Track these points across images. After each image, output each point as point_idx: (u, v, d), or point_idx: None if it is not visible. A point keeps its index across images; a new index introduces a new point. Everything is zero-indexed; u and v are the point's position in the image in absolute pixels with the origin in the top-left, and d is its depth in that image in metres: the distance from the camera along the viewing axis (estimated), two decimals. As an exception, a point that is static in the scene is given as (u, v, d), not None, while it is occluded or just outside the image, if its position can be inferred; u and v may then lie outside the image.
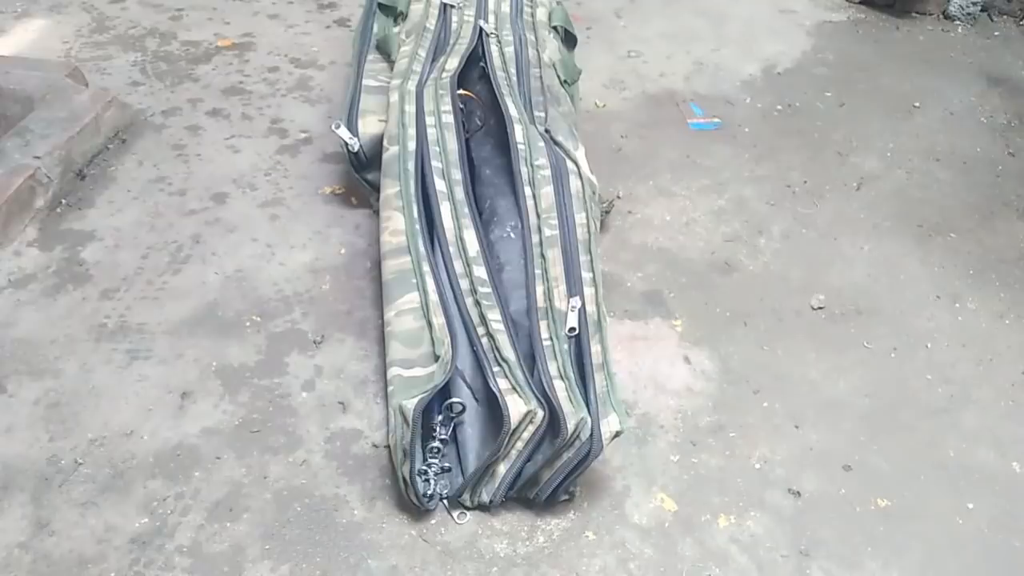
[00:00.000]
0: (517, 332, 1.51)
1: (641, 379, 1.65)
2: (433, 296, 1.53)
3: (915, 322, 1.83)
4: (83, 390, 1.55)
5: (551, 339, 1.47)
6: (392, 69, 2.13)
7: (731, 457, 1.52)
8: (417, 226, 1.66)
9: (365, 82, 2.09)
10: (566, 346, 1.47)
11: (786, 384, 1.67)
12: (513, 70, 2.12)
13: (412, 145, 1.82)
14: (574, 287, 1.56)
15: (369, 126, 1.95)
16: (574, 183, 1.76)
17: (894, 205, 2.18)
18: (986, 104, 2.64)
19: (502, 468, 1.36)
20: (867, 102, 2.60)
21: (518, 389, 1.37)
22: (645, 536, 1.38)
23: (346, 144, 1.92)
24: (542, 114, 2.00)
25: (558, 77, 2.19)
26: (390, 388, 1.44)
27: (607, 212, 1.97)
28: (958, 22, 3.11)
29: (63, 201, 1.96)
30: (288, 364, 1.62)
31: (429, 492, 1.36)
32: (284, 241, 1.91)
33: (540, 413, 1.34)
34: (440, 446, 1.39)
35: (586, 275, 1.60)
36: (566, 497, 1.40)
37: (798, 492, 1.47)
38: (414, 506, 1.37)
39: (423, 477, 1.36)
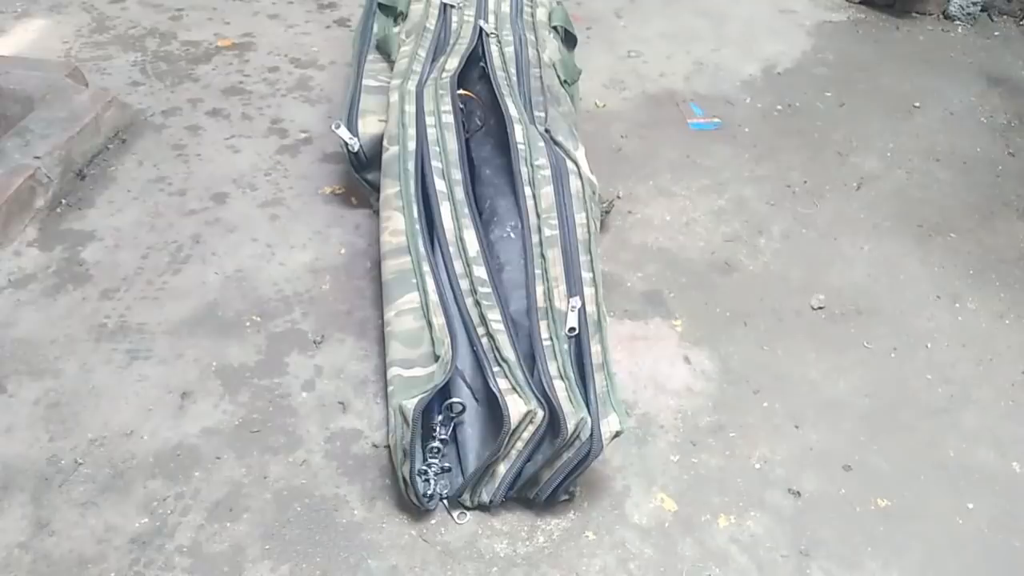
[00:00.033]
0: (517, 332, 1.51)
1: (641, 379, 1.65)
2: (433, 296, 1.53)
3: (915, 322, 1.83)
4: (83, 390, 1.55)
5: (551, 339, 1.47)
6: (392, 69, 2.13)
7: (731, 457, 1.52)
8: (417, 226, 1.66)
9: (365, 82, 2.10)
10: (566, 346, 1.47)
11: (786, 384, 1.67)
12: (513, 70, 2.12)
13: (412, 145, 1.82)
14: (574, 287, 1.56)
15: (369, 126, 1.95)
16: (574, 183, 1.76)
17: (894, 205, 2.18)
18: (986, 104, 2.64)
19: (502, 468, 1.36)
20: (867, 102, 2.60)
21: (518, 389, 1.37)
22: (645, 536, 1.38)
23: (346, 144, 1.92)
24: (542, 114, 2.00)
25: (558, 77, 2.19)
26: (390, 388, 1.44)
27: (607, 212, 1.97)
28: (958, 22, 3.12)
29: (63, 201, 1.97)
30: (288, 364, 1.62)
31: (429, 492, 1.36)
32: (284, 241, 1.91)
33: (540, 413, 1.34)
34: (440, 446, 1.39)
35: (586, 275, 1.60)
36: (566, 497, 1.40)
37: (798, 492, 1.47)
38: (414, 506, 1.37)
39: (423, 477, 1.36)
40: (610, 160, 2.23)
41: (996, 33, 3.08)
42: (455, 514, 1.39)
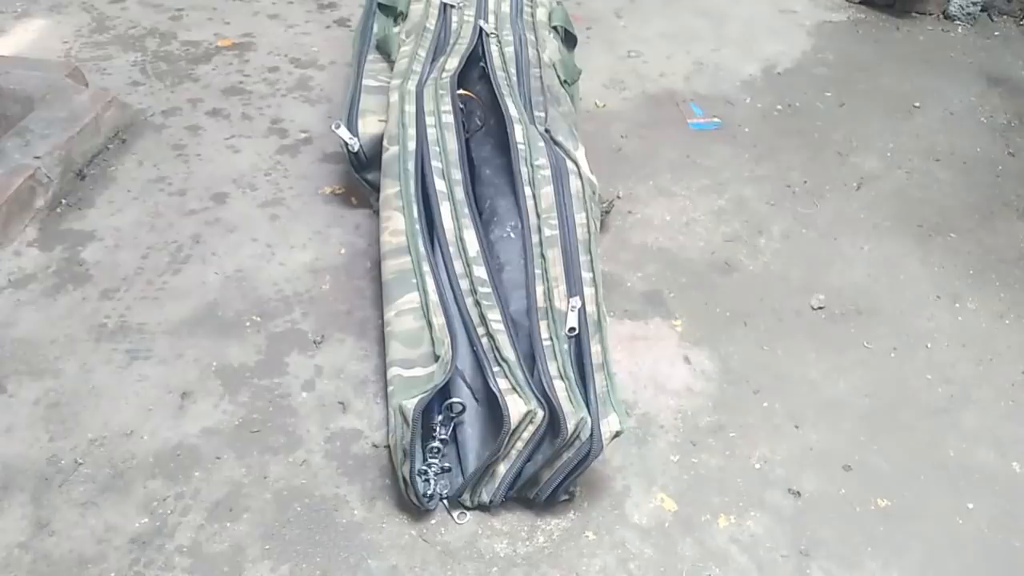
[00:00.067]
0: (517, 332, 1.51)
1: (641, 379, 1.65)
2: (433, 296, 1.53)
3: (915, 322, 1.83)
4: (83, 390, 1.55)
5: (551, 339, 1.47)
6: (392, 69, 2.13)
7: (731, 457, 1.52)
8: (417, 226, 1.66)
9: (365, 82, 2.10)
10: (566, 346, 1.47)
11: (786, 384, 1.67)
12: (513, 70, 2.12)
13: (412, 145, 1.82)
14: (574, 287, 1.56)
15: (369, 126, 1.95)
16: (574, 183, 1.76)
17: (894, 205, 2.18)
18: (986, 104, 2.64)
19: (502, 468, 1.36)
20: (867, 102, 2.60)
21: (518, 389, 1.37)
22: (645, 536, 1.38)
23: (346, 144, 1.92)
24: (542, 114, 2.00)
25: (558, 77, 2.19)
26: (390, 388, 1.44)
27: (607, 212, 1.97)
28: (958, 22, 3.11)
29: (63, 201, 1.97)
30: (288, 364, 1.62)
31: (429, 492, 1.36)
32: (284, 241, 1.91)
33: (540, 413, 1.34)
34: (440, 446, 1.39)
35: (586, 275, 1.60)
36: (566, 497, 1.40)
37: (798, 492, 1.47)
38: (414, 506, 1.37)
39: (423, 477, 1.36)
40: (610, 160, 2.23)
41: (996, 33, 3.08)
42: (455, 514, 1.39)
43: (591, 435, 1.32)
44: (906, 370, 1.72)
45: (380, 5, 2.34)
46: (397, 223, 1.67)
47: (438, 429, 1.40)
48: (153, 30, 2.68)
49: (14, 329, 1.65)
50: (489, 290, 1.56)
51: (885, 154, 2.38)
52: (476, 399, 1.45)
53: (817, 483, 1.49)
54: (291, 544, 1.33)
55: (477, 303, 1.53)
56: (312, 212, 2.00)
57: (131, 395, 1.54)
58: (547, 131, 1.93)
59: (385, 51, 2.22)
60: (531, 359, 1.46)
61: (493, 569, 1.32)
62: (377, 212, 1.82)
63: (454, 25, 2.28)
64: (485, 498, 1.38)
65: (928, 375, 1.72)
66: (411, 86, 2.01)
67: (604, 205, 1.94)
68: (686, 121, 2.45)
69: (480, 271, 1.59)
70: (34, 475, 1.40)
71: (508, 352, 1.44)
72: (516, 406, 1.33)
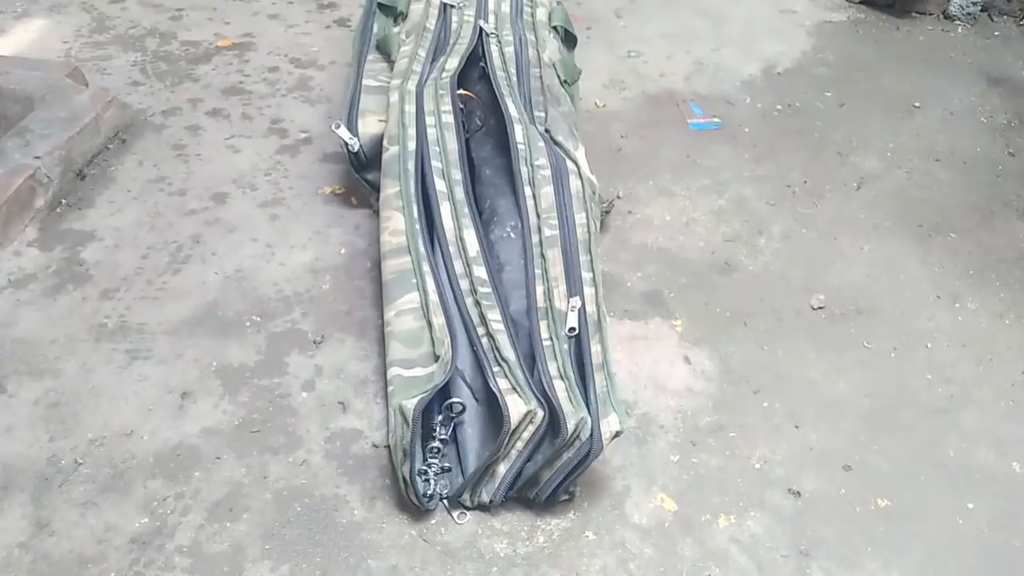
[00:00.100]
0: (517, 332, 1.51)
1: (641, 379, 1.65)
2: (433, 296, 1.53)
3: (915, 322, 1.83)
4: (83, 390, 1.55)
5: (551, 339, 1.47)
6: (392, 69, 2.13)
7: (731, 457, 1.52)
8: (417, 226, 1.66)
9: (365, 82, 2.10)
10: (566, 346, 1.47)
11: (786, 384, 1.67)
12: (513, 70, 2.12)
13: (412, 145, 1.82)
14: (574, 287, 1.56)
15: (369, 126, 1.95)
16: (574, 183, 1.76)
17: (894, 205, 2.18)
18: (986, 104, 2.64)
19: (502, 468, 1.36)
20: (867, 102, 2.60)
21: (518, 389, 1.37)
22: (645, 536, 1.38)
23: (346, 144, 1.92)
24: (542, 114, 2.00)
25: (558, 77, 2.19)
26: (390, 388, 1.44)
27: (607, 212, 1.97)
28: (958, 22, 3.11)
29: (63, 201, 1.97)
30: (288, 364, 1.62)
31: (429, 492, 1.36)
32: (284, 241, 1.91)
33: (540, 413, 1.34)
34: (440, 446, 1.39)
35: (586, 275, 1.60)
36: (566, 497, 1.40)
37: (798, 492, 1.47)
38: (414, 506, 1.37)
39: (423, 477, 1.36)
40: (610, 160, 2.23)
41: (996, 33, 3.08)
42: (455, 514, 1.39)
43: (591, 435, 1.32)
44: (906, 370, 1.72)
45: (380, 5, 2.34)
46: (397, 223, 1.67)
47: (438, 429, 1.40)
48: (153, 30, 2.68)
49: (14, 329, 1.65)
50: (489, 290, 1.56)
51: (885, 154, 2.38)
52: (476, 399, 1.45)
53: (817, 483, 1.49)
54: (291, 544, 1.33)
55: (477, 303, 1.53)
56: (312, 212, 2.00)
57: (131, 395, 1.54)
58: (547, 131, 1.93)
59: (385, 51, 2.22)
60: (531, 359, 1.46)
61: (493, 569, 1.32)
62: (377, 212, 1.82)
63: (454, 25, 2.28)
64: (485, 498, 1.38)
65: (928, 375, 1.72)
66: (411, 86, 2.01)
67: (604, 205, 1.94)
68: (686, 121, 2.45)
69: (480, 271, 1.59)
70: (34, 475, 1.40)
71: (508, 352, 1.44)
72: (516, 406, 1.33)
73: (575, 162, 1.83)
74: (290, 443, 1.48)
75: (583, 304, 1.53)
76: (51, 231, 1.89)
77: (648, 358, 1.70)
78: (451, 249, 1.63)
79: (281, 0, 2.90)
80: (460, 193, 1.75)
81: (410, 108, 1.92)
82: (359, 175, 1.97)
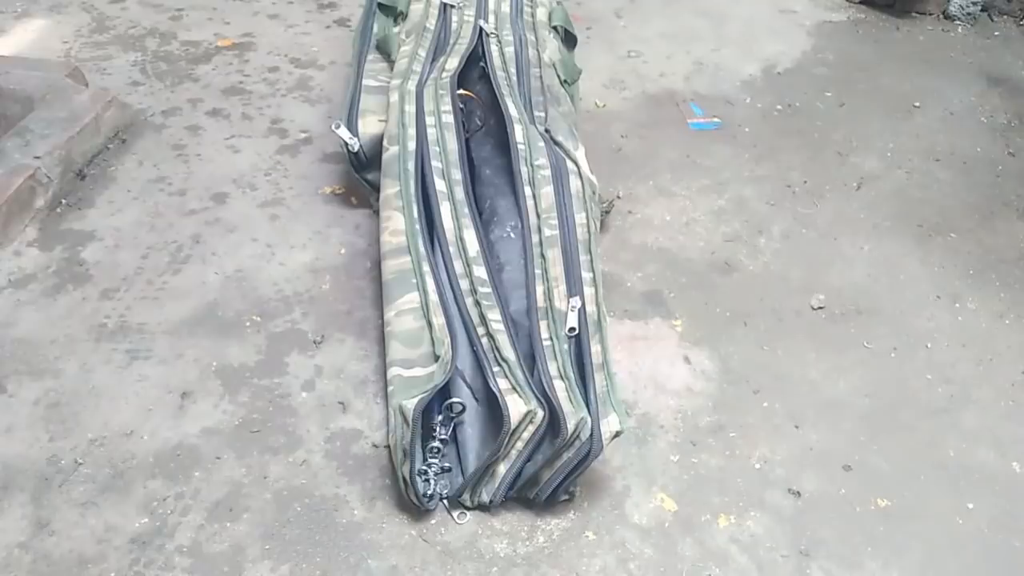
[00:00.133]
0: (517, 332, 1.51)
1: (641, 379, 1.65)
2: (433, 296, 1.53)
3: (915, 322, 1.83)
4: (83, 390, 1.55)
5: (551, 339, 1.47)
6: (392, 69, 2.13)
7: (731, 457, 1.52)
8: (417, 226, 1.66)
9: (365, 82, 2.09)
10: (566, 346, 1.47)
11: (786, 384, 1.67)
12: (513, 70, 2.12)
13: (412, 145, 1.82)
14: (574, 287, 1.56)
15: (369, 126, 1.95)
16: (574, 183, 1.76)
17: (894, 205, 2.18)
18: (986, 104, 2.64)
19: (502, 468, 1.36)
20: (867, 102, 2.60)
21: (518, 389, 1.37)
22: (645, 536, 1.38)
23: (346, 144, 1.92)
24: (542, 114, 2.00)
25: (558, 77, 2.19)
26: (390, 388, 1.44)
27: (607, 212, 1.97)
28: (958, 22, 3.12)
29: (63, 201, 1.96)
30: (288, 364, 1.62)
31: (429, 492, 1.36)
32: (284, 241, 1.91)
33: (540, 413, 1.34)
34: (440, 446, 1.39)
35: (586, 275, 1.60)
36: (566, 497, 1.40)
37: (798, 492, 1.47)
38: (414, 506, 1.37)
39: (423, 477, 1.36)
40: (610, 160, 2.23)
41: (996, 33, 3.08)
42: (455, 514, 1.39)
43: (591, 435, 1.32)
44: (906, 370, 1.72)
45: (380, 5, 2.34)
46: (397, 223, 1.67)
47: (438, 429, 1.40)
48: (153, 30, 2.68)
49: (14, 329, 1.65)
50: (489, 290, 1.56)
51: (885, 154, 2.38)
52: (476, 399, 1.45)
53: (817, 483, 1.49)
54: (291, 544, 1.33)
55: (477, 303, 1.53)
56: (312, 212, 2.00)
57: (131, 395, 1.54)
58: (547, 131, 1.93)
59: (385, 51, 2.22)
60: (531, 359, 1.46)
61: (493, 569, 1.32)
62: (377, 212, 1.82)
63: (454, 25, 2.28)
64: (485, 498, 1.38)
65: (928, 375, 1.72)
66: (411, 86, 2.01)
67: (604, 205, 1.94)
68: (686, 121, 2.45)
69: (480, 271, 1.59)
70: (34, 475, 1.40)
71: (508, 352, 1.44)
72: (516, 406, 1.33)
73: (575, 162, 1.83)
74: (290, 443, 1.48)
75: (583, 304, 1.53)
76: (51, 231, 1.89)
77: (648, 358, 1.70)
78: (451, 249, 1.63)
79: (281, 0, 2.90)
80: (460, 193, 1.75)
81: (410, 108, 1.92)
82: (359, 175, 1.97)
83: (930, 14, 3.13)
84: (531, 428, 1.34)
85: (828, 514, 1.44)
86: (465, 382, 1.46)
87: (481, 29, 2.23)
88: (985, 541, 1.42)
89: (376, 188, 1.87)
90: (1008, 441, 1.59)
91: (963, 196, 2.24)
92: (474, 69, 2.16)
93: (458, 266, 1.60)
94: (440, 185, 1.75)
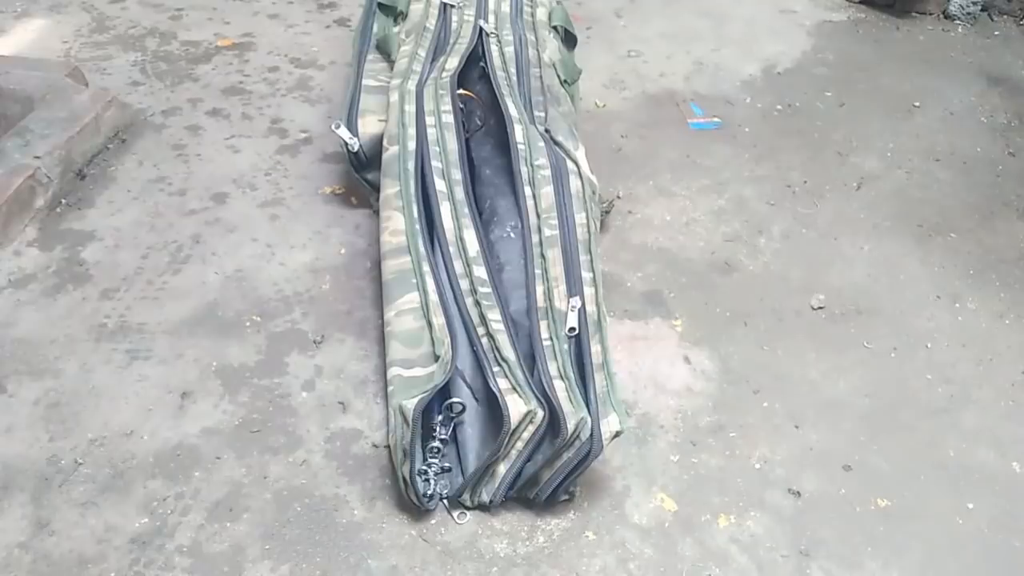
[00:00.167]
0: (517, 332, 1.51)
1: (641, 379, 1.65)
2: (433, 296, 1.53)
3: (915, 322, 1.83)
4: (83, 390, 1.55)
5: (551, 339, 1.47)
6: (392, 69, 2.13)
7: (731, 457, 1.52)
8: (417, 226, 1.66)
9: (365, 82, 2.10)
10: (566, 346, 1.47)
11: (786, 384, 1.67)
12: (513, 70, 2.12)
13: (412, 145, 1.82)
14: (574, 287, 1.56)
15: (369, 126, 1.95)
16: (574, 183, 1.76)
17: (894, 205, 2.18)
18: (986, 104, 2.64)
19: (502, 468, 1.36)
20: (867, 102, 2.60)
21: (518, 389, 1.37)
22: (645, 536, 1.38)
23: (346, 144, 1.92)
24: (542, 114, 2.00)
25: (558, 77, 2.19)
26: (390, 388, 1.44)
27: (607, 212, 1.97)
28: (958, 22, 3.11)
29: (63, 201, 1.97)
30: (288, 364, 1.62)
31: (429, 492, 1.36)
32: (284, 241, 1.91)
33: (540, 413, 1.34)
34: (440, 446, 1.39)
35: (586, 275, 1.60)
36: (566, 497, 1.40)
37: (798, 492, 1.47)
38: (414, 506, 1.37)
39: (423, 477, 1.36)
40: (610, 160, 2.23)
41: (996, 33, 3.08)
42: (455, 514, 1.39)
43: (591, 435, 1.32)
44: (906, 370, 1.72)
45: (380, 5, 2.34)
46: (397, 223, 1.67)
47: (438, 429, 1.40)
48: (153, 30, 2.68)
49: (14, 329, 1.65)
50: (489, 290, 1.56)
51: (885, 154, 2.38)
52: (476, 399, 1.45)
53: (817, 483, 1.49)
54: (291, 544, 1.33)
55: (477, 303, 1.53)
56: (312, 212, 2.00)
57: (131, 395, 1.54)
58: (547, 131, 1.93)
59: (385, 51, 2.22)
60: (531, 359, 1.46)
61: (493, 569, 1.32)
62: (377, 212, 1.82)
63: (454, 25, 2.28)
64: (485, 498, 1.38)
65: (928, 375, 1.72)
66: (411, 86, 2.01)
67: (604, 205, 1.94)
68: (686, 121, 2.45)
69: (480, 271, 1.60)
70: (34, 475, 1.40)
71: (508, 352, 1.44)
72: (516, 406, 1.33)
73: (575, 162, 1.83)
74: (290, 443, 1.48)
75: (583, 304, 1.53)
76: (51, 231, 1.89)
77: (648, 358, 1.70)
78: (451, 249, 1.63)
79: (281, 0, 2.90)
80: (460, 193, 1.75)
81: (410, 108, 1.92)
82: (359, 175, 1.97)
83: (930, 14, 3.13)
84: (531, 428, 1.34)
85: (828, 514, 1.44)
86: (465, 382, 1.46)
87: (481, 29, 2.23)
88: (985, 541, 1.42)
89: (376, 188, 1.87)
90: (1008, 441, 1.59)
91: (963, 196, 2.24)
92: (474, 69, 2.16)
93: (458, 266, 1.60)
94: (440, 185, 1.75)
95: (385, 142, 1.87)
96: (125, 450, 1.45)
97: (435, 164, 1.78)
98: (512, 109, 1.93)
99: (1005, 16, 3.16)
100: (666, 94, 2.57)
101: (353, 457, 1.47)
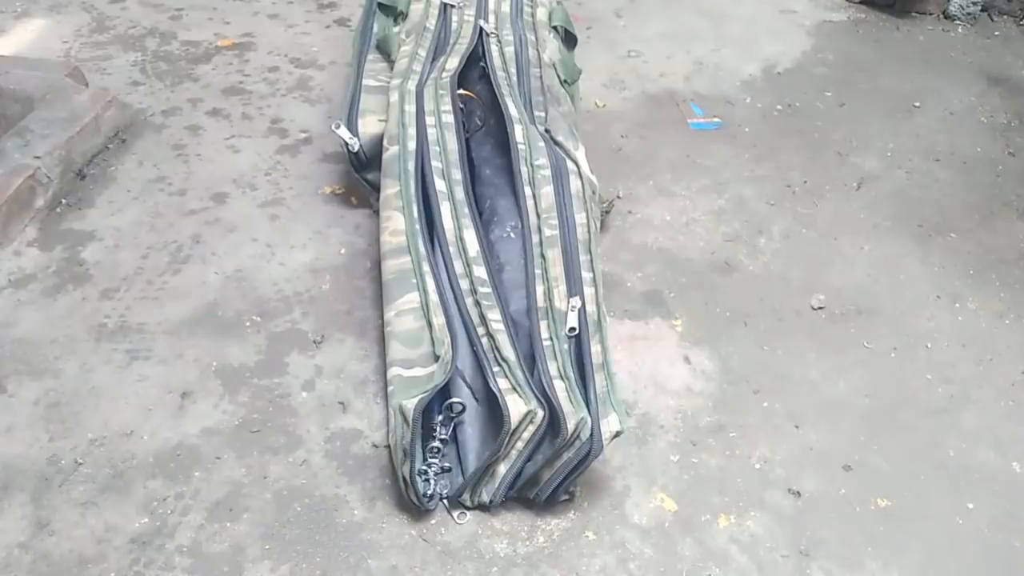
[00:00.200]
0: (517, 332, 1.51)
1: (641, 379, 1.65)
2: (433, 296, 1.53)
3: (915, 322, 1.83)
4: (83, 390, 1.55)
5: (551, 339, 1.47)
6: (392, 69, 2.13)
7: (731, 457, 1.52)
8: (417, 226, 1.66)
9: (365, 82, 2.10)
10: (566, 346, 1.47)
11: (786, 384, 1.67)
12: (513, 70, 2.12)
13: (412, 145, 1.82)
14: (574, 287, 1.56)
15: (369, 126, 1.95)
16: (574, 183, 1.76)
17: (894, 205, 2.18)
18: (986, 104, 2.64)
19: (502, 468, 1.36)
20: (867, 102, 2.60)
21: (518, 389, 1.37)
22: (645, 536, 1.38)
23: (346, 144, 1.92)
24: (542, 114, 2.00)
25: (558, 77, 2.19)
26: (390, 388, 1.44)
27: (607, 212, 1.97)
28: (958, 22, 3.11)
29: (63, 201, 1.97)
30: (288, 364, 1.62)
31: (429, 492, 1.36)
32: (284, 241, 1.91)
33: (540, 413, 1.34)
34: (440, 446, 1.39)
35: (586, 275, 1.60)
36: (566, 497, 1.40)
37: (798, 492, 1.47)
38: (414, 506, 1.37)
39: (423, 477, 1.36)
40: (610, 160, 2.23)
41: (996, 33, 3.08)
42: (455, 514, 1.39)
43: (591, 435, 1.32)
44: (906, 370, 1.72)
45: (380, 5, 2.34)
46: (397, 223, 1.67)
47: (438, 429, 1.40)
48: (153, 30, 2.68)
49: (14, 329, 1.65)
50: (489, 290, 1.56)
51: (885, 154, 2.38)
52: (476, 399, 1.45)
53: (817, 483, 1.49)
54: (291, 544, 1.33)
55: (477, 303, 1.53)
56: (312, 212, 2.00)
57: (131, 395, 1.54)
58: (547, 131, 1.93)
59: (385, 51, 2.22)
60: (531, 359, 1.46)
61: (493, 569, 1.32)
62: (377, 212, 1.82)
63: (454, 25, 2.28)
64: (485, 498, 1.38)
65: (928, 375, 1.72)
66: (411, 86, 2.01)
67: (604, 205, 1.94)
68: (686, 121, 2.45)
69: (480, 271, 1.60)
70: (34, 475, 1.40)
71: (508, 352, 1.44)
72: (516, 406, 1.33)
73: (575, 162, 1.83)
74: (290, 443, 1.48)
75: (583, 304, 1.53)
76: (51, 231, 1.89)
77: (648, 358, 1.70)
78: (451, 249, 1.63)
79: (281, 0, 2.90)
80: (460, 193, 1.75)
81: (410, 108, 1.92)
82: (359, 175, 1.97)
83: (930, 14, 3.13)
84: (531, 428, 1.34)
85: (828, 514, 1.44)
86: (465, 382, 1.46)
87: (481, 29, 2.23)
88: (985, 541, 1.42)
89: (376, 188, 1.87)
90: (1008, 441, 1.59)
91: (963, 196, 2.24)
92: (474, 69, 2.16)
93: (458, 266, 1.60)
94: (440, 185, 1.75)
95: (385, 142, 1.87)
96: (125, 450, 1.45)
97: (435, 164, 1.78)
98: (512, 109, 1.93)
99: (1005, 16, 3.16)
100: (666, 94, 2.57)
101: (353, 457, 1.47)
